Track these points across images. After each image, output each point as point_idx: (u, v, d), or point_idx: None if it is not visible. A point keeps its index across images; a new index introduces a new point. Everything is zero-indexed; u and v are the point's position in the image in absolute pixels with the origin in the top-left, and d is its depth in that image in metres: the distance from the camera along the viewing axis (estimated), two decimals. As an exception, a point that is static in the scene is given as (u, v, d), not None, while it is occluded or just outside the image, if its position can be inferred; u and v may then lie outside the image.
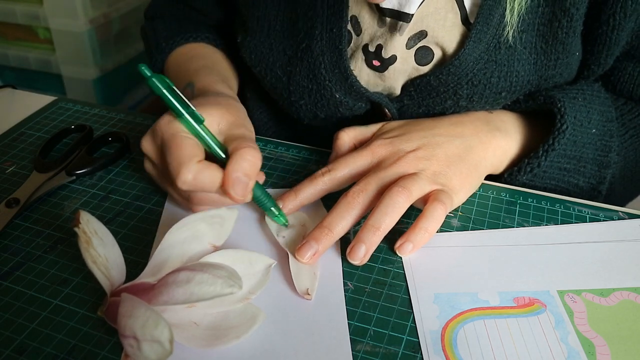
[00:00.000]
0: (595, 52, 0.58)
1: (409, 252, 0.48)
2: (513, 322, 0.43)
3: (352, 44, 0.58)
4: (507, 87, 0.56)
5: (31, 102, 0.71)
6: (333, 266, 0.48)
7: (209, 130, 0.48)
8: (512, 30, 0.53)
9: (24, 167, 0.59)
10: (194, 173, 0.45)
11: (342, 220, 0.48)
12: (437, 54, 0.56)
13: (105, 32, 1.62)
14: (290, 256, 0.48)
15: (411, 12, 0.54)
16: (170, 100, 0.47)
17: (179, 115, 0.47)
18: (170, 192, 0.52)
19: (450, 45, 0.55)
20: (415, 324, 0.43)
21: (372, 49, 0.57)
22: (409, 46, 0.56)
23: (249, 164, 0.46)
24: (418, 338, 0.42)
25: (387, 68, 0.57)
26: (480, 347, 0.41)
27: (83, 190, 0.56)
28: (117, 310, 0.38)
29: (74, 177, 0.57)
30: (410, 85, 0.58)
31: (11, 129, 0.66)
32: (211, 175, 0.46)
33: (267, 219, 0.51)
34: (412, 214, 0.50)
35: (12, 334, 0.42)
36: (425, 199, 0.50)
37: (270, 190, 0.56)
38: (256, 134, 0.67)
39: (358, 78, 0.58)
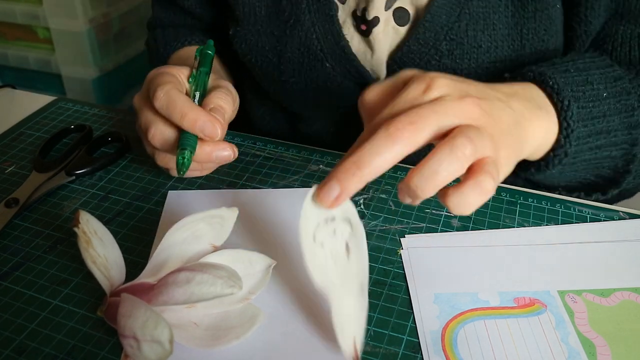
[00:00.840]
0: (575, 5, 0.57)
1: (461, 205, 0.37)
2: (513, 323, 0.43)
3: (340, 13, 0.61)
4: (486, 40, 0.56)
5: (31, 102, 0.71)
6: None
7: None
8: None
9: (24, 167, 0.59)
10: (167, 89, 0.49)
11: (377, 156, 0.36)
12: (412, 14, 0.58)
13: (104, 32, 1.62)
14: (333, 305, 0.38)
15: None
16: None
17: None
18: (144, 143, 0.54)
19: (423, 3, 0.57)
20: (415, 324, 0.43)
21: (359, 13, 0.59)
22: (387, 7, 0.58)
23: (220, 100, 0.51)
24: (418, 338, 0.42)
25: (371, 31, 0.59)
26: (480, 347, 0.41)
27: (83, 190, 0.56)
28: (117, 310, 0.38)
29: (74, 177, 0.57)
30: (393, 63, 0.60)
31: (11, 128, 0.66)
32: (181, 97, 0.50)
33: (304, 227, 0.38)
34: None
35: (12, 334, 0.42)
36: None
37: (270, 191, 0.56)
38: (256, 134, 0.67)
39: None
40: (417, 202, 0.37)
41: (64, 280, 0.46)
